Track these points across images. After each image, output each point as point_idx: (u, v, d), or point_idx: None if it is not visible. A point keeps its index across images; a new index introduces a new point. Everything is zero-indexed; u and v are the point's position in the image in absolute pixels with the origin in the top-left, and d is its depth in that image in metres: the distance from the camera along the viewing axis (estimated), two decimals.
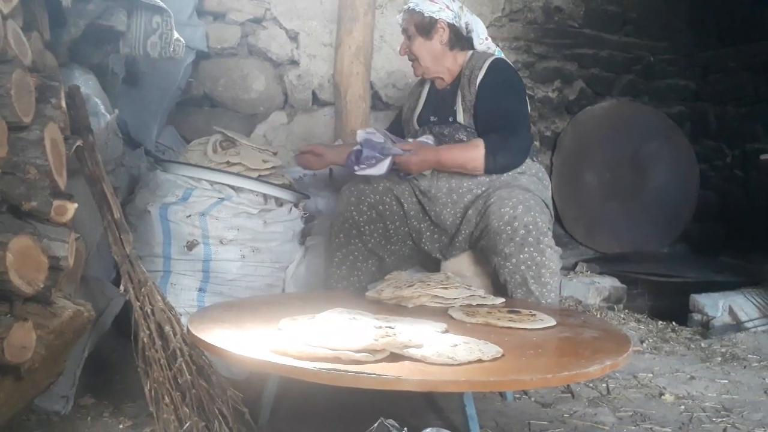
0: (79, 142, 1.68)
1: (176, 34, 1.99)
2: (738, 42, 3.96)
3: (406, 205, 2.25)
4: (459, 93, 2.27)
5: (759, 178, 3.84)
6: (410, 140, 2.30)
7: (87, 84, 1.96)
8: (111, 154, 2.12)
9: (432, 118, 2.34)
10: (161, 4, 1.94)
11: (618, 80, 4.12)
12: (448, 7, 2.26)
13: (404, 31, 2.30)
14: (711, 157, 4.16)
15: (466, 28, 2.32)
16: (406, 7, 2.29)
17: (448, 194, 2.21)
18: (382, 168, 2.16)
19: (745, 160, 3.93)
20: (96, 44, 2.01)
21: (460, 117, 2.25)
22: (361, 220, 2.22)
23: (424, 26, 2.26)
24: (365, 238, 2.22)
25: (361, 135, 2.22)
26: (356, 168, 2.16)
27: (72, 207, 1.47)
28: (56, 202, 1.43)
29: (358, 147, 2.19)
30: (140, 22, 1.93)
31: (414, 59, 2.31)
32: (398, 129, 2.49)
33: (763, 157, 3.09)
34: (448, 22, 2.26)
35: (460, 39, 2.31)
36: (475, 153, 2.14)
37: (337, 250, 2.23)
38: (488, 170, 2.16)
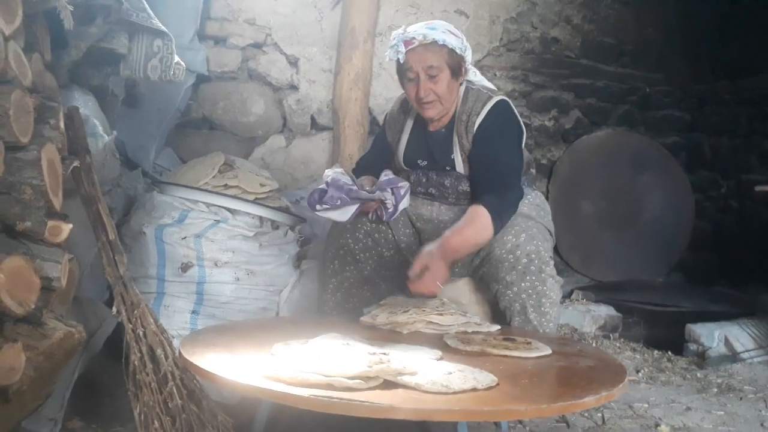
0: (76, 163, 1.68)
1: (177, 58, 2.01)
2: (732, 75, 4.02)
3: (397, 237, 2.21)
4: (456, 141, 2.09)
5: (754, 208, 3.86)
6: (378, 193, 2.07)
7: (86, 105, 1.97)
8: (108, 175, 2.13)
9: (420, 162, 2.17)
10: (163, 28, 1.96)
11: (614, 110, 4.16)
12: (463, 41, 2.03)
13: (426, 69, 1.97)
14: (706, 187, 4.19)
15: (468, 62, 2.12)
16: (426, 40, 1.96)
17: (452, 222, 2.13)
18: (345, 214, 2.03)
19: (740, 191, 3.96)
20: (97, 66, 2.03)
21: (460, 167, 2.11)
22: (357, 248, 2.17)
23: (457, 64, 2.00)
24: (361, 265, 2.18)
25: (328, 174, 2.08)
26: (318, 207, 2.03)
27: (67, 228, 1.46)
28: (51, 223, 1.43)
29: (323, 186, 2.05)
30: (141, 45, 1.95)
31: (435, 100, 2.02)
32: (381, 154, 2.29)
33: (758, 188, 3.11)
34: (466, 59, 2.05)
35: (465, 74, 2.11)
36: (484, 223, 1.92)
37: (332, 277, 2.19)
38: (496, 232, 1.96)
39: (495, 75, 3.78)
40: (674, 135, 4.29)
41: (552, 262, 2.02)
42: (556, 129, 4.02)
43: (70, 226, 1.47)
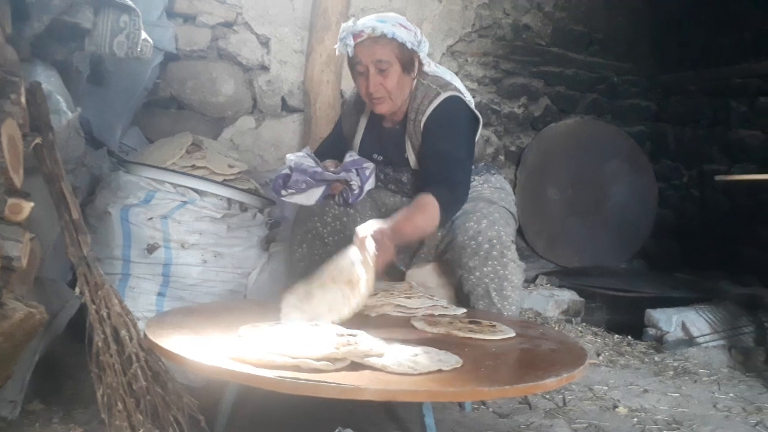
0: (38, 140, 1.64)
1: (144, 35, 1.97)
2: (697, 66, 4.10)
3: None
4: (407, 139, 2.08)
5: (714, 198, 3.97)
6: (343, 174, 2.05)
7: (49, 81, 1.91)
8: (72, 153, 2.08)
9: (377, 157, 2.16)
10: (129, 3, 1.91)
11: (582, 98, 4.22)
12: (416, 34, 2.00)
13: (375, 63, 1.95)
14: (669, 176, 4.29)
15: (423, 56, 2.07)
16: (375, 33, 1.93)
17: None
18: (311, 197, 2.01)
19: (702, 180, 4.06)
20: (60, 41, 1.96)
21: (414, 165, 2.10)
22: (325, 231, 2.17)
23: (408, 59, 1.97)
24: (329, 249, 2.17)
25: (290, 159, 2.03)
26: (283, 192, 2.00)
27: (28, 206, 1.43)
28: (11, 200, 1.40)
29: (286, 171, 2.02)
30: (107, 20, 1.90)
31: (384, 96, 1.99)
32: (337, 142, 2.27)
33: (718, 178, 3.20)
34: (420, 53, 2.02)
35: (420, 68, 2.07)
36: (434, 214, 1.89)
37: (300, 261, 2.19)
38: (442, 224, 1.97)
39: (467, 60, 3.79)
40: (640, 124, 4.37)
41: (513, 247, 2.06)
42: (526, 116, 4.06)
43: (32, 204, 1.44)
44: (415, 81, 2.05)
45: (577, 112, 4.20)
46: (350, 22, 1.98)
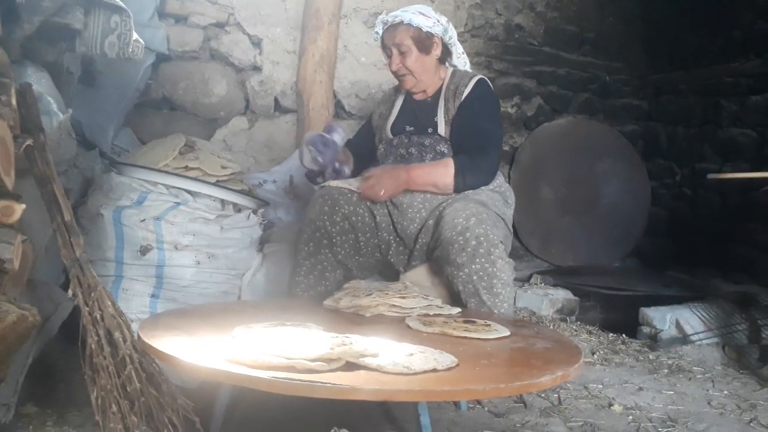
0: (29, 141, 1.63)
1: (135, 35, 1.96)
2: (687, 66, 4.13)
3: (378, 217, 2.24)
4: (442, 106, 2.29)
5: (706, 196, 3.99)
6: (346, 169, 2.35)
7: (40, 82, 1.90)
8: (63, 155, 2.06)
9: (408, 128, 2.34)
10: (120, 3, 1.90)
11: (575, 98, 4.23)
12: (438, 22, 2.27)
13: (396, 45, 2.25)
14: (662, 175, 4.31)
15: (449, 42, 2.34)
16: (396, 20, 2.25)
17: (422, 203, 2.22)
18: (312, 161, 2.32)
19: (694, 179, 4.08)
20: (51, 42, 1.96)
21: (442, 129, 2.28)
22: (334, 230, 2.19)
23: (422, 41, 2.25)
24: (336, 249, 2.20)
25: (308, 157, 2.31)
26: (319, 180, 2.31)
27: (19, 208, 1.42)
28: (2, 203, 1.39)
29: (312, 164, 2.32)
30: (98, 21, 1.89)
31: (407, 73, 2.29)
32: (367, 136, 2.49)
33: (710, 176, 3.21)
34: (440, 37, 2.28)
35: (448, 53, 2.35)
36: (445, 172, 2.19)
37: (305, 259, 2.20)
38: (457, 189, 2.20)
39: None
40: (632, 123, 4.39)
41: (501, 246, 2.08)
42: (519, 116, 4.06)
43: (23, 206, 1.43)
44: (450, 68, 2.37)
45: (569, 111, 4.21)
46: (383, 14, 2.31)
